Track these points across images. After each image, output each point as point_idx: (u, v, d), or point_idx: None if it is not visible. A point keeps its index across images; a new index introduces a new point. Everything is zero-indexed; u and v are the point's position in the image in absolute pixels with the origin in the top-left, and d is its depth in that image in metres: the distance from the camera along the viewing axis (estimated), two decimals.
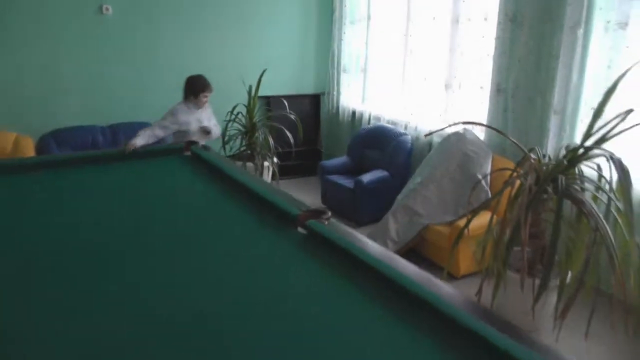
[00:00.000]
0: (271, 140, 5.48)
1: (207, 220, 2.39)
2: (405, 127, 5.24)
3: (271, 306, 1.59)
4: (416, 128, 5.12)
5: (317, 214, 2.24)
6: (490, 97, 4.24)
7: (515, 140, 3.13)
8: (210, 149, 3.64)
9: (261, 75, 5.53)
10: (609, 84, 2.92)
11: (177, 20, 5.60)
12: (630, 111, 2.72)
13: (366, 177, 4.91)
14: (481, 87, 4.47)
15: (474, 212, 3.11)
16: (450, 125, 3.30)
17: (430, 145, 4.94)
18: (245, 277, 1.79)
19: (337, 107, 6.38)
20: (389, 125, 5.41)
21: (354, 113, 6.13)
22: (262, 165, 5.50)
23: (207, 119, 4.32)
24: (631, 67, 2.84)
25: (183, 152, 3.60)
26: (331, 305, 1.59)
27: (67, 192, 2.73)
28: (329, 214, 2.26)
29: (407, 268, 1.76)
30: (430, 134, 4.06)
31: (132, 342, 1.39)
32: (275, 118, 5.83)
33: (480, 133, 4.39)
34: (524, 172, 2.86)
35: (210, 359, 1.33)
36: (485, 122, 4.25)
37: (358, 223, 4.99)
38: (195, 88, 4.20)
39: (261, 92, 5.70)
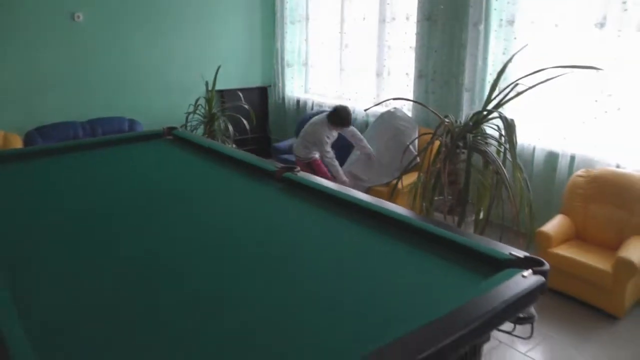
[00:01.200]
0: (230, 128, 6.23)
1: (206, 181, 2.95)
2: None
3: (269, 233, 2.16)
4: (354, 110, 6.03)
5: (289, 168, 3.00)
6: (414, 81, 5.21)
7: (433, 110, 4.09)
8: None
9: (217, 72, 6.26)
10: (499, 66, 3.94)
11: (143, 25, 6.21)
12: (516, 84, 3.72)
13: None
14: (407, 74, 5.43)
15: (405, 172, 4.08)
16: (386, 100, 4.25)
17: (366, 124, 5.87)
18: (243, 215, 2.38)
19: (283, 98, 7.21)
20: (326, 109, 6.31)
21: (298, 102, 6.98)
22: None
23: None
24: (515, 53, 3.89)
25: (165, 136, 4.18)
26: (314, 228, 2.23)
27: (68, 173, 3.12)
28: (298, 168, 3.01)
29: (361, 195, 2.56)
30: (368, 108, 5.02)
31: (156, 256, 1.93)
32: (230, 108, 6.59)
33: (407, 111, 5.36)
34: (440, 133, 3.82)
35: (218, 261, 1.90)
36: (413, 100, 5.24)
37: None
38: (347, 121, 4.99)
39: (217, 87, 6.46)
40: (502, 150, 3.74)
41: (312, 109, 6.71)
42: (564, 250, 3.69)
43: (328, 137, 5.02)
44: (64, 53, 5.76)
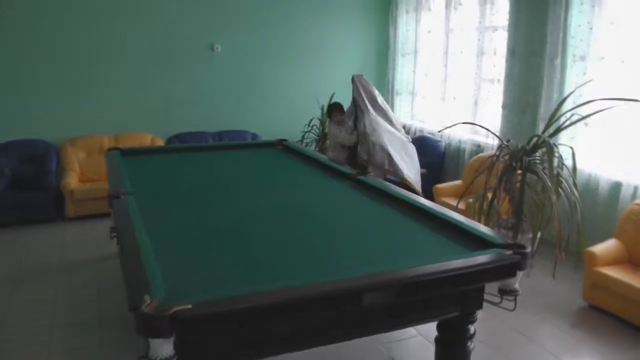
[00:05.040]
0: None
1: (299, 175, 4.18)
2: (441, 136, 6.67)
3: (339, 214, 3.18)
4: (449, 137, 6.54)
5: (363, 173, 3.82)
6: (501, 110, 5.63)
7: (495, 133, 4.55)
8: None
9: (331, 98, 7.13)
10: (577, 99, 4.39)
11: (269, 55, 7.40)
12: (572, 114, 4.08)
13: None
14: (491, 105, 5.87)
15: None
16: (453, 125, 4.78)
17: (459, 150, 6.35)
18: (319, 196, 3.46)
19: None
20: (429, 135, 6.88)
21: (404, 127, 7.60)
22: None
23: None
24: (575, 88, 4.27)
25: (276, 145, 5.26)
26: (371, 215, 3.15)
27: (200, 161, 4.66)
28: (371, 172, 3.82)
29: (420, 198, 3.26)
30: (441, 130, 5.63)
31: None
32: None
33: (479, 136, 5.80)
34: (500, 154, 4.26)
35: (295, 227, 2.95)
36: (499, 129, 5.65)
37: None
38: (334, 107, 5.57)
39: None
40: (555, 173, 4.09)
41: (415, 133, 7.31)
42: (610, 270, 3.90)
43: (339, 131, 5.38)
44: (202, 77, 7.05)
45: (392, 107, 7.86)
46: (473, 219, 4.55)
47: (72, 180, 6.07)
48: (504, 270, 2.31)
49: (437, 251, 2.49)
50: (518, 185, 4.23)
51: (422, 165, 6.48)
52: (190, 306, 1.81)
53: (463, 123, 4.46)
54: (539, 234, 4.23)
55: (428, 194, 5.84)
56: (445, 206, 5.44)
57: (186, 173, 4.24)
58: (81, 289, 4.27)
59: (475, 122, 5.38)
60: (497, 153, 4.26)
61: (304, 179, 4.07)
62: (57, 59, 6.38)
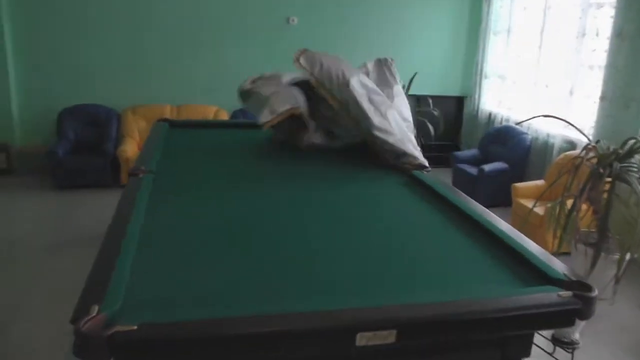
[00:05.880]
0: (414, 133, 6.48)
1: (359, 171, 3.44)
2: (528, 128, 5.91)
3: (391, 209, 2.70)
4: (537, 130, 5.77)
5: (420, 167, 3.28)
6: (599, 103, 4.82)
7: (581, 130, 3.83)
8: None
9: (412, 77, 6.55)
10: None
11: (345, 27, 6.93)
12: None
13: (488, 167, 5.70)
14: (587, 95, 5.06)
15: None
16: (534, 117, 4.08)
17: (547, 145, 5.58)
18: (376, 198, 2.88)
19: (477, 109, 7.17)
20: (514, 125, 6.12)
21: (490, 115, 6.88)
22: None
23: None
24: None
25: None
26: (414, 211, 2.65)
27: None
28: (429, 168, 3.27)
29: (465, 197, 2.72)
30: (520, 123, 4.86)
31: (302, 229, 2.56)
32: (423, 114, 6.83)
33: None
34: (585, 156, 3.56)
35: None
36: (594, 124, 4.86)
37: None
38: None
39: (412, 92, 6.75)
40: None
41: (500, 123, 6.57)
42: None
43: None
44: (275, 49, 6.71)
45: (478, 92, 7.14)
46: (548, 229, 3.92)
47: (129, 148, 6.04)
48: (558, 318, 1.74)
49: (474, 279, 1.94)
50: (605, 195, 3.53)
51: (504, 161, 5.82)
52: (135, 327, 1.45)
53: (544, 116, 3.76)
54: (627, 256, 3.52)
55: (506, 192, 5.18)
56: (521, 209, 4.81)
57: (232, 157, 3.72)
58: None
59: (560, 116, 4.59)
60: (582, 154, 3.57)
61: (365, 167, 3.41)
62: (125, 28, 6.37)
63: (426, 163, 3.37)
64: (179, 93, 6.54)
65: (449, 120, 7.23)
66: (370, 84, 3.61)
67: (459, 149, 7.45)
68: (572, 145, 5.24)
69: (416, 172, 3.19)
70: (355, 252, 2.14)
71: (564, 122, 5.38)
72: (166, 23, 6.43)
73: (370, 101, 3.43)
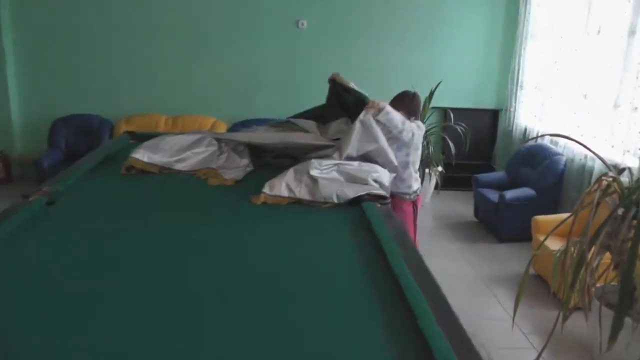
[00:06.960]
0: (431, 149, 5.70)
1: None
2: (563, 148, 4.97)
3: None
4: (573, 150, 4.83)
5: (377, 198, 2.57)
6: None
7: (600, 156, 2.98)
8: None
9: (436, 87, 5.77)
10: None
11: (362, 33, 6.24)
12: None
13: (510, 193, 4.82)
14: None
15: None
16: (541, 136, 3.24)
17: (584, 169, 4.63)
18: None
19: (513, 124, 6.26)
20: (548, 144, 5.19)
21: (525, 130, 5.96)
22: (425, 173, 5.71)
23: None
24: None
25: None
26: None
27: None
28: (389, 200, 2.56)
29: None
30: (535, 138, 3.94)
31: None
32: (446, 129, 6.03)
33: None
34: (603, 191, 2.71)
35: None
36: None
37: (499, 238, 4.94)
38: None
39: (437, 103, 5.97)
40: None
41: (535, 141, 5.65)
42: None
43: None
44: (283, 56, 6.13)
45: (514, 105, 6.24)
46: (554, 282, 3.07)
47: None
48: None
49: None
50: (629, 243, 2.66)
51: (532, 186, 4.94)
52: None
53: (553, 135, 2.92)
54: None
55: (526, 225, 4.33)
56: (542, 248, 3.90)
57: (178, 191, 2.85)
58: None
59: (605, 133, 3.72)
60: (596, 188, 2.72)
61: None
62: (123, 37, 6.11)
63: (387, 194, 2.64)
64: (176, 103, 6.13)
65: (480, 136, 6.37)
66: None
67: (493, 169, 6.57)
68: (616, 169, 4.28)
69: (366, 205, 2.48)
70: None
71: (605, 141, 4.51)
72: (164, 31, 6.10)
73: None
